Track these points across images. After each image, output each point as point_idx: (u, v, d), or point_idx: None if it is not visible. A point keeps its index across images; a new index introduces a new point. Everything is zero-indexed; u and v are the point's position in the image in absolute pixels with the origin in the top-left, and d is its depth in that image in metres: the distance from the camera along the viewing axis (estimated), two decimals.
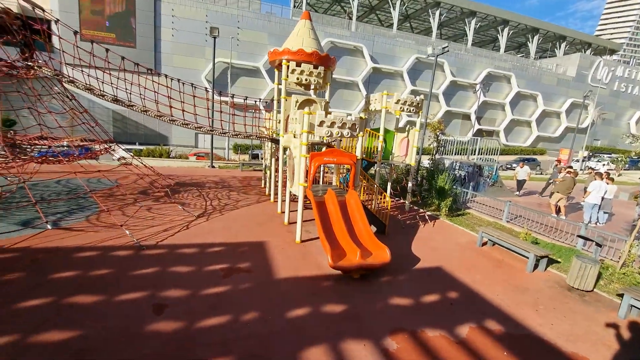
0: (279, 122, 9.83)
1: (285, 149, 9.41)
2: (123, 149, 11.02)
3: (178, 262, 6.03)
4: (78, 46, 8.36)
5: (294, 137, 8.03)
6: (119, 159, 9.92)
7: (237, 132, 10.50)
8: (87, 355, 3.60)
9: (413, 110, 10.02)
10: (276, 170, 11.05)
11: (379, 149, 10.13)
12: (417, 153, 12.18)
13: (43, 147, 9.56)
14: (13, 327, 3.92)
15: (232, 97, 11.62)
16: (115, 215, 8.23)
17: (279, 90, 9.73)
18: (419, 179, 14.01)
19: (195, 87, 10.43)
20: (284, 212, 9.17)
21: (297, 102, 9.16)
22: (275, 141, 10.40)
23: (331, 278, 5.95)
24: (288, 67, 8.95)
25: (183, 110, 9.83)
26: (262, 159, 18.63)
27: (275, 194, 10.90)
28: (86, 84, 8.76)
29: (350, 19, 39.83)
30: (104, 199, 9.71)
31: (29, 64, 8.66)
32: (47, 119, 8.91)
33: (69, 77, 8.64)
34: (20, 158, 8.08)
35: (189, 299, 4.87)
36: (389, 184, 11.34)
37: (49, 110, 8.50)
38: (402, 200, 12.77)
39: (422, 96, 10.39)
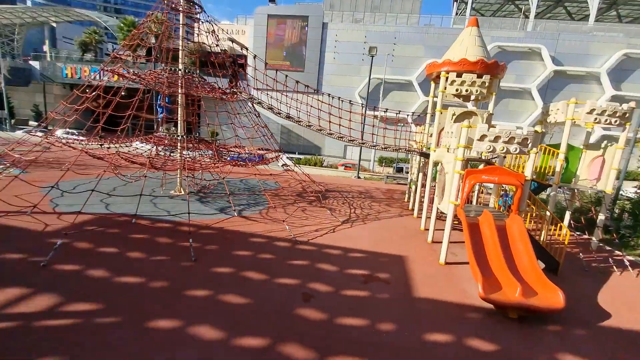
0: (431, 136, 9.45)
1: (435, 164, 8.96)
2: (286, 157, 13.08)
3: (324, 261, 6.63)
4: (267, 74, 10.52)
5: (447, 151, 7.55)
6: (282, 166, 11.79)
7: (386, 145, 10.74)
8: (252, 322, 4.39)
9: (616, 121, 7.74)
10: (423, 185, 10.64)
11: (558, 169, 8.28)
12: (617, 178, 9.28)
13: (234, 153, 12.42)
14: (208, 285, 5.22)
15: (386, 111, 12.00)
16: (279, 212, 9.82)
17: (434, 103, 9.39)
18: (617, 211, 10.64)
19: (352, 104, 11.31)
20: (427, 230, 8.71)
21: (453, 114, 8.60)
22: (425, 155, 10.05)
23: (480, 310, 5.23)
24: (447, 78, 8.54)
25: (340, 125, 10.85)
26: (407, 172, 18.31)
27: (420, 209, 10.48)
28: (269, 104, 10.88)
29: (527, 17, 34.39)
30: (271, 197, 11.72)
31: (234, 90, 11.47)
32: (238, 131, 11.53)
33: (258, 99, 10.94)
34: (221, 161, 10.78)
35: (332, 295, 5.27)
36: (568, 213, 9.09)
37: (242, 125, 11.00)
38: (586, 236, 9.97)
39: (631, 103, 7.91)
